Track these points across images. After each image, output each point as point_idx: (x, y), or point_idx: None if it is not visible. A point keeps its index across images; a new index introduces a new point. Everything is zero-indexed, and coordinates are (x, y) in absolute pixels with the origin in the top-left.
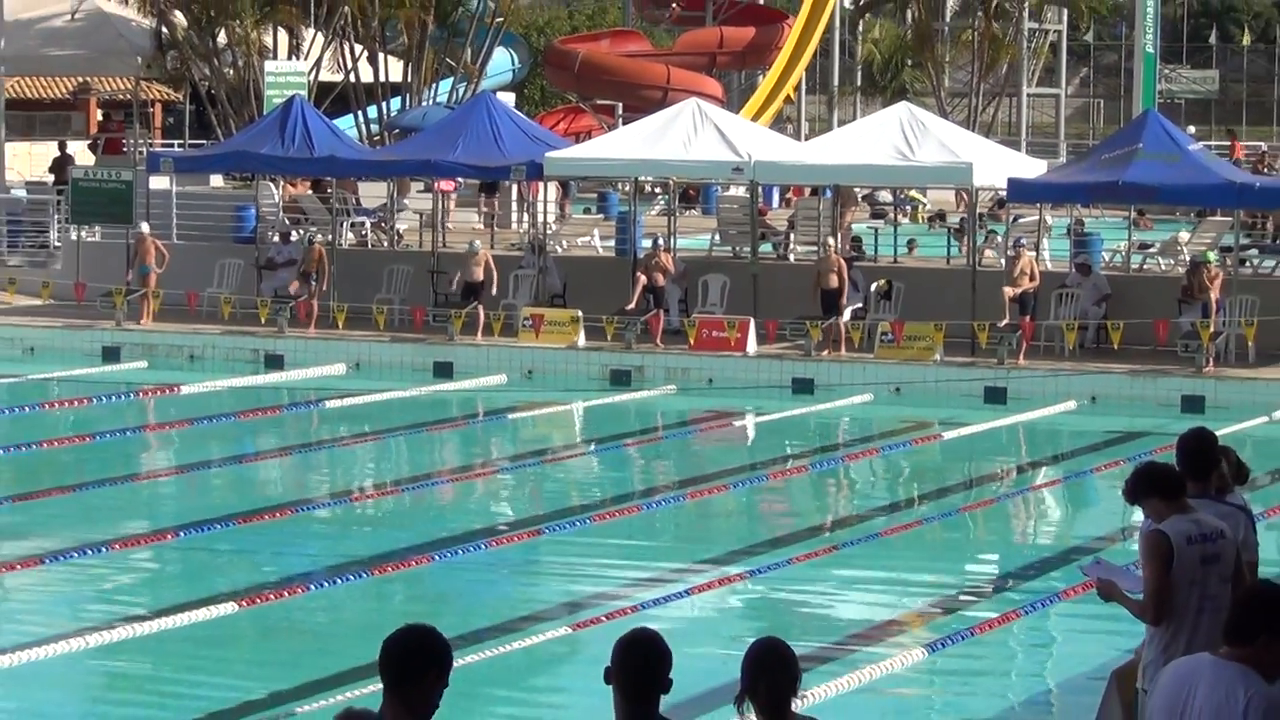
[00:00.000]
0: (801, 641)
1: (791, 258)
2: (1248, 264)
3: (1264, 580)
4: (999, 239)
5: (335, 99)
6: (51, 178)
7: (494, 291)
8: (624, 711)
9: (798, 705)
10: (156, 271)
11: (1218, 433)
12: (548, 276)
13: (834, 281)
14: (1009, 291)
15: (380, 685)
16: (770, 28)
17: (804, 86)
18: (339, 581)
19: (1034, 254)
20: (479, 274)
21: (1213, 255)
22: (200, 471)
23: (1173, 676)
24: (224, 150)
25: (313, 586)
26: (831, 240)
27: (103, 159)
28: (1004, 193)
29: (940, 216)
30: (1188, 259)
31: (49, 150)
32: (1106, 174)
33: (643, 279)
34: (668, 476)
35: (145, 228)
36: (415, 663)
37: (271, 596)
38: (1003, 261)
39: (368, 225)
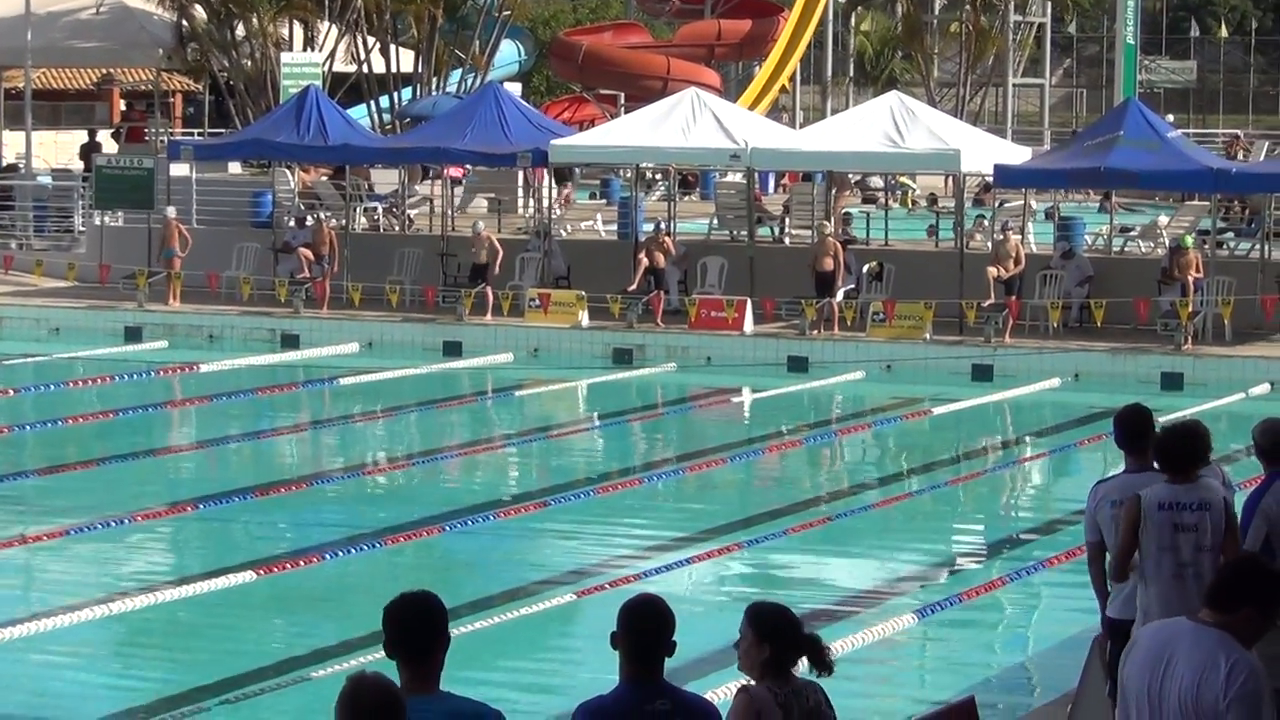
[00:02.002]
0: (797, 608)
1: (787, 241)
2: (1224, 246)
3: (1253, 553)
4: (985, 223)
5: (349, 89)
6: (80, 165)
7: (497, 271)
8: (629, 674)
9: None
10: (180, 256)
11: (1196, 409)
12: (552, 259)
13: (829, 264)
14: (993, 271)
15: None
16: (766, 20)
17: (798, 77)
18: (353, 551)
19: (1020, 237)
20: (484, 256)
21: (1190, 240)
22: (219, 446)
23: (1150, 641)
24: (242, 138)
25: (327, 556)
26: (828, 225)
27: (125, 147)
28: (991, 178)
29: (932, 200)
30: (1167, 242)
31: (74, 138)
32: (1089, 160)
33: (644, 261)
34: (668, 451)
35: (171, 211)
36: (423, 638)
37: (288, 565)
38: (989, 245)
39: (380, 210)
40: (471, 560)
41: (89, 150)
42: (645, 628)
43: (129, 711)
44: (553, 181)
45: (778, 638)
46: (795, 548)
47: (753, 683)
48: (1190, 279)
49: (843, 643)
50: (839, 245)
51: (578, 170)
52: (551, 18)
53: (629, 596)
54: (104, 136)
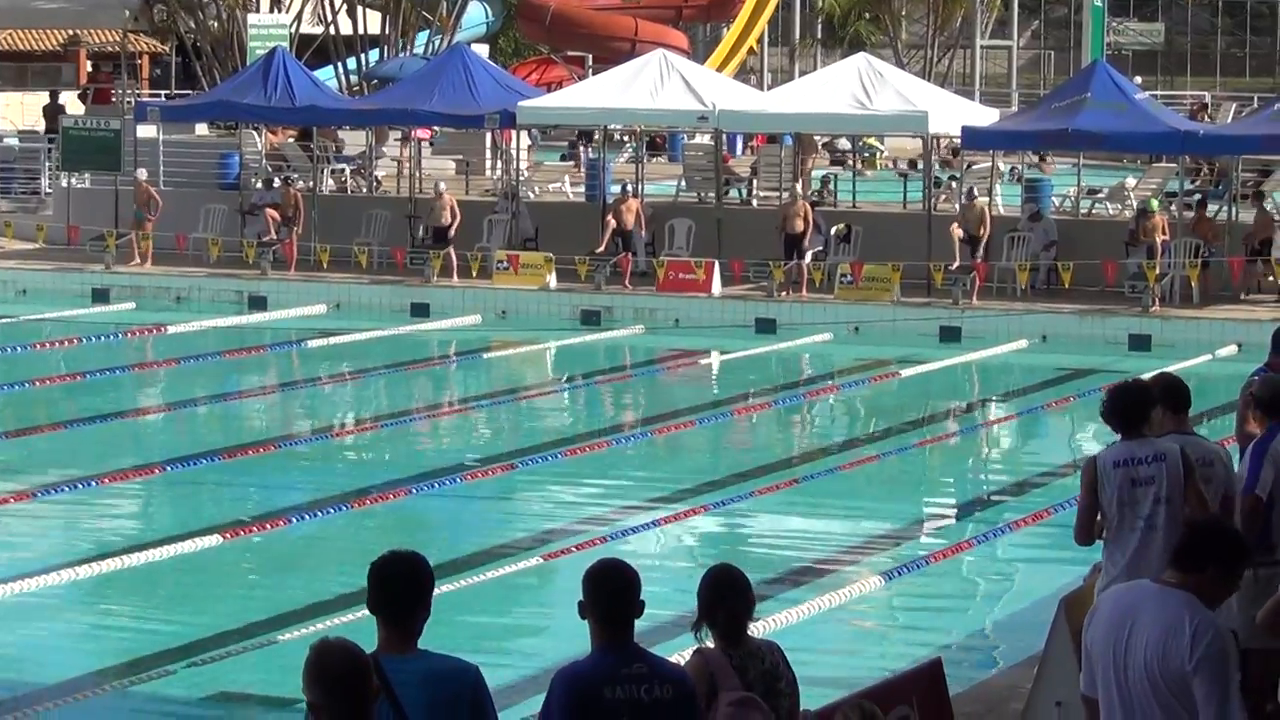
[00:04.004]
0: (764, 570)
1: (754, 203)
2: (1193, 208)
3: (1216, 515)
4: (954, 185)
5: (316, 51)
6: (43, 125)
7: (454, 234)
8: (603, 640)
9: (752, 630)
10: (151, 219)
11: (1164, 370)
12: (519, 221)
13: (799, 226)
14: (956, 230)
15: (359, 615)
16: None
17: (766, 39)
18: (320, 514)
19: (987, 199)
20: (445, 217)
21: (1156, 204)
22: (186, 409)
23: (1113, 605)
24: (209, 100)
25: (294, 519)
26: (799, 186)
27: (92, 108)
28: (959, 140)
29: (913, 164)
30: (1135, 204)
31: (40, 100)
32: (1056, 122)
33: (612, 223)
34: (635, 413)
35: (143, 174)
36: (408, 598)
37: (255, 528)
38: (957, 206)
39: (347, 172)
40: (439, 522)
41: (52, 111)
42: (612, 592)
43: (95, 674)
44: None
45: (719, 603)
46: (763, 509)
47: (709, 644)
48: (1158, 241)
49: (809, 605)
50: (808, 206)
51: (538, 133)
52: None
53: (592, 562)
54: (68, 98)
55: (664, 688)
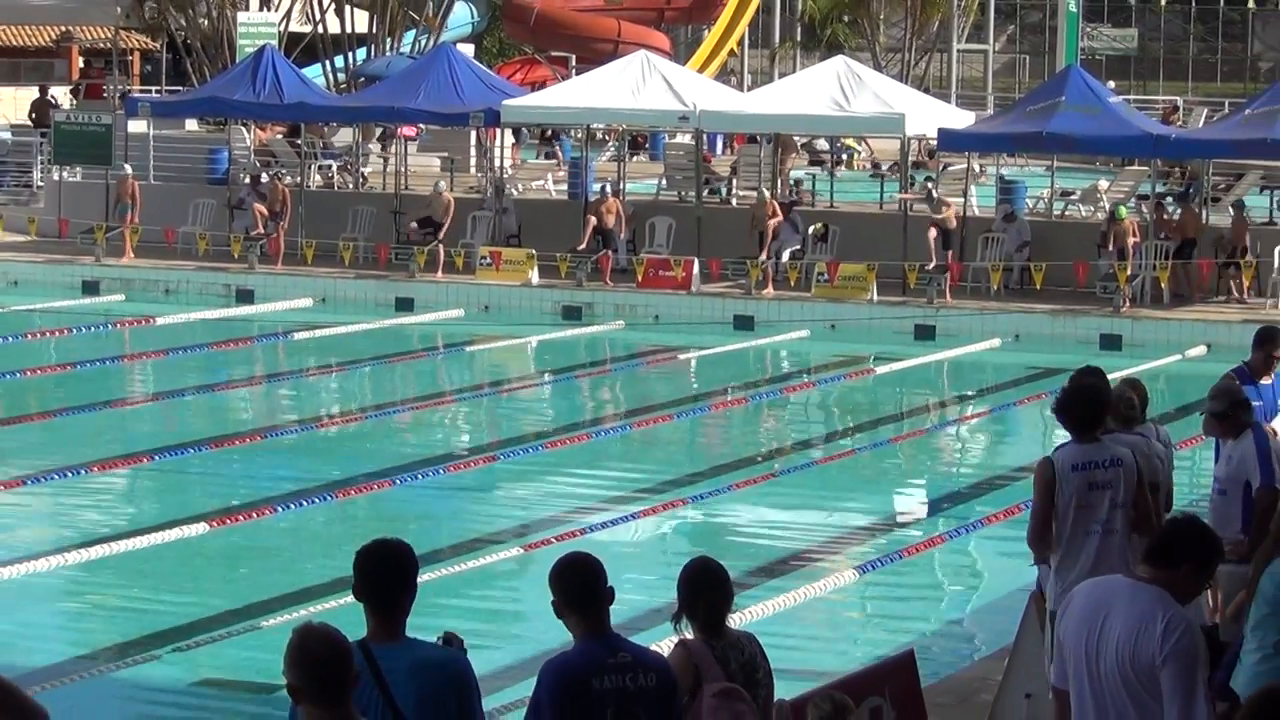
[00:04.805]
0: (740, 562)
1: (734, 202)
2: (1164, 208)
3: (1191, 514)
4: (931, 186)
5: (304, 49)
6: (33, 119)
7: (444, 231)
8: (584, 631)
9: (733, 622)
10: (133, 213)
11: (1134, 370)
12: (506, 218)
13: (769, 222)
14: (933, 232)
15: (342, 601)
16: None
17: (747, 41)
18: (304, 503)
19: (961, 199)
20: (441, 214)
21: (1124, 211)
22: (174, 399)
23: (1086, 598)
24: (199, 96)
25: (279, 508)
26: (764, 188)
27: (83, 103)
28: (935, 142)
29: (877, 165)
30: (1107, 206)
31: (32, 95)
32: (1031, 125)
33: (593, 220)
34: (615, 407)
35: (128, 169)
36: (393, 588)
37: (240, 517)
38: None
39: (334, 168)
40: (421, 513)
41: (40, 107)
42: (581, 584)
43: (83, 658)
44: (504, 142)
45: (699, 596)
46: (740, 502)
47: (690, 636)
48: (1129, 244)
49: (785, 597)
50: (778, 206)
51: (524, 130)
52: None
53: (558, 557)
54: (60, 93)
55: (647, 676)
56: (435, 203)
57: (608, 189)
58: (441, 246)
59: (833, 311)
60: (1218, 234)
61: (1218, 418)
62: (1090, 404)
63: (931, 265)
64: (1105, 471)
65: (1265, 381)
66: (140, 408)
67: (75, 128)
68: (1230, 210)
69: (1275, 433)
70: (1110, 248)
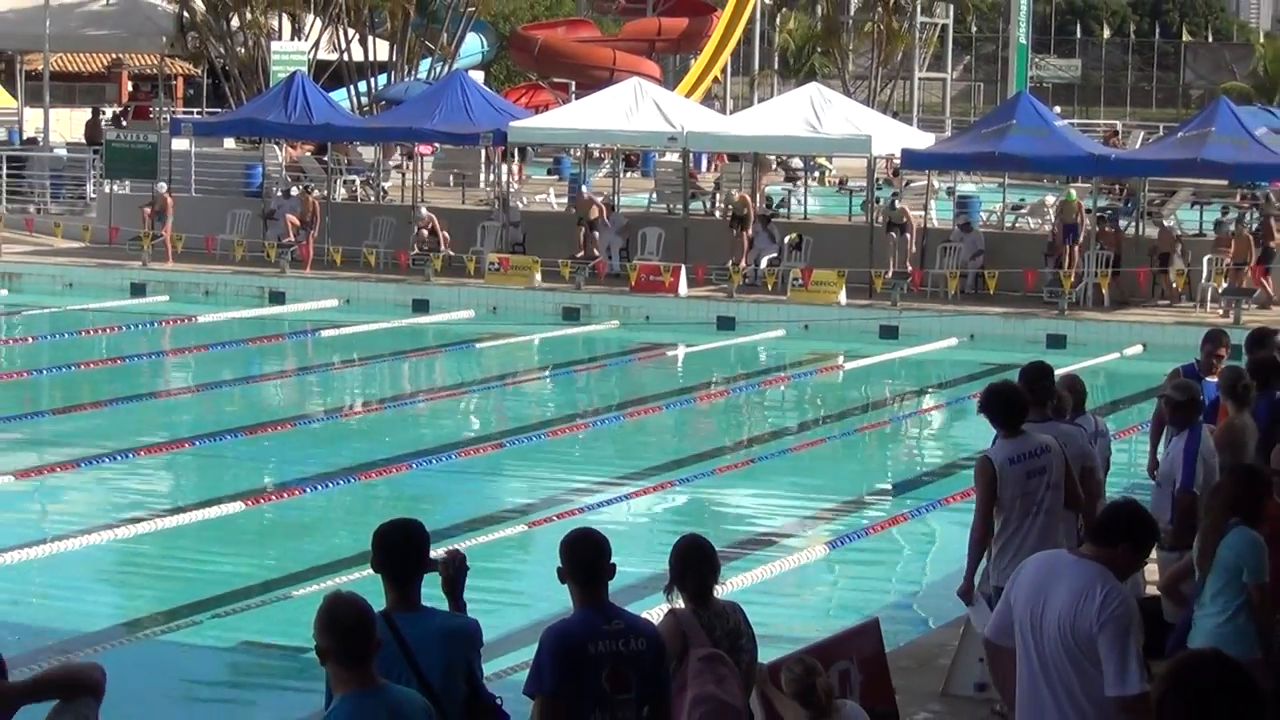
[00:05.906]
0: (723, 539)
1: (718, 214)
2: (1108, 224)
3: (1130, 498)
4: (897, 201)
5: (331, 75)
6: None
7: (442, 247)
8: (583, 600)
9: (718, 592)
10: (165, 223)
11: (1076, 366)
12: (511, 228)
13: (745, 210)
14: (892, 240)
15: (365, 573)
16: (701, 19)
17: (729, 69)
18: (330, 485)
19: (920, 214)
20: (426, 234)
21: (1073, 194)
22: (213, 390)
23: (1034, 569)
24: (236, 117)
25: (308, 489)
26: (744, 194)
27: (132, 124)
28: (899, 160)
29: (842, 183)
30: (1053, 220)
31: (87, 116)
32: (985, 145)
33: (582, 228)
34: (610, 399)
35: (163, 187)
36: (408, 559)
37: (273, 497)
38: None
39: (358, 182)
40: (436, 494)
41: (93, 127)
42: (587, 556)
43: (130, 624)
44: (514, 159)
45: (689, 569)
46: (723, 485)
47: (680, 605)
48: (1077, 220)
49: (762, 570)
50: (749, 201)
51: (531, 149)
52: (511, 13)
53: (569, 530)
54: (108, 114)
55: (639, 640)
56: (418, 225)
57: (582, 188)
58: (445, 246)
59: (806, 313)
60: (1150, 244)
61: (1172, 405)
62: (1010, 402)
63: (894, 272)
64: (1039, 459)
65: (1210, 379)
66: (182, 398)
67: (125, 145)
68: (1161, 224)
69: (1212, 431)
70: (1060, 230)
